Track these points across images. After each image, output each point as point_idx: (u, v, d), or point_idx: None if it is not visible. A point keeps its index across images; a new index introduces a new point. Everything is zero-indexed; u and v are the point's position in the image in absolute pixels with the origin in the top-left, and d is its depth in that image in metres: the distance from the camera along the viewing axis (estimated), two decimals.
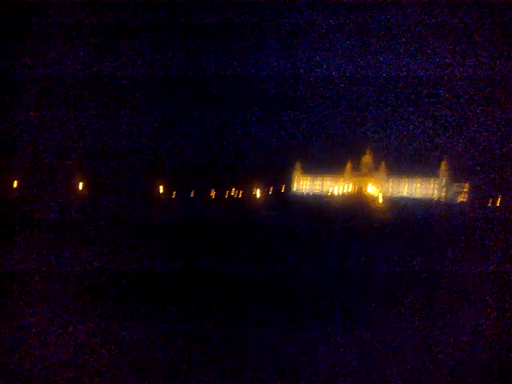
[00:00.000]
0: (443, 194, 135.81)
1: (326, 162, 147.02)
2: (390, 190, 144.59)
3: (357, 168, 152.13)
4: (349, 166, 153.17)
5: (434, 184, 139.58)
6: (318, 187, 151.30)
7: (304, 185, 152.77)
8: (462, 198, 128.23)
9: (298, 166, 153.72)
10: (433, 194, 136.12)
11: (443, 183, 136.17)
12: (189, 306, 20.66)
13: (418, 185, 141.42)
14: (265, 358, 16.07)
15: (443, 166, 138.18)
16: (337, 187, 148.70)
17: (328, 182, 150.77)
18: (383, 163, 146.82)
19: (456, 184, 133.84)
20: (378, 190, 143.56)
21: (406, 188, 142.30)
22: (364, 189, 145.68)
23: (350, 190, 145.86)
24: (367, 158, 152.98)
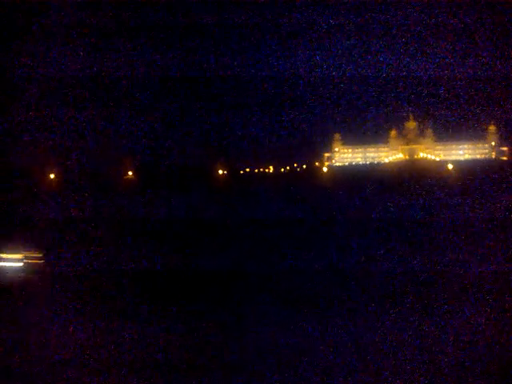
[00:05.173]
0: (493, 155, 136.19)
1: (368, 132, 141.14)
2: (441, 154, 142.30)
3: (402, 135, 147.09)
4: (393, 133, 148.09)
5: (481, 146, 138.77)
6: (360, 159, 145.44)
7: (345, 157, 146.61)
8: (504, 158, 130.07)
9: (337, 137, 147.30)
10: (482, 155, 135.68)
11: (493, 145, 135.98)
12: (190, 305, 20.68)
13: (466, 148, 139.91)
14: (265, 356, 16.06)
15: (491, 128, 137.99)
16: (385, 157, 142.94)
17: (371, 154, 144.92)
18: (429, 129, 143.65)
19: (497, 146, 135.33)
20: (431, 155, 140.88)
21: (455, 151, 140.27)
22: (416, 156, 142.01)
23: (399, 158, 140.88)
24: (411, 124, 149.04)
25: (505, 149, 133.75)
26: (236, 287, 23.61)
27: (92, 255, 28.71)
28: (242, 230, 39.01)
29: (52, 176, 76.93)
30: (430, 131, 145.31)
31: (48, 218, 41.14)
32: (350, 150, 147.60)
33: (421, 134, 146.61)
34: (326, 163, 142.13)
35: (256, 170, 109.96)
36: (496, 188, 58.35)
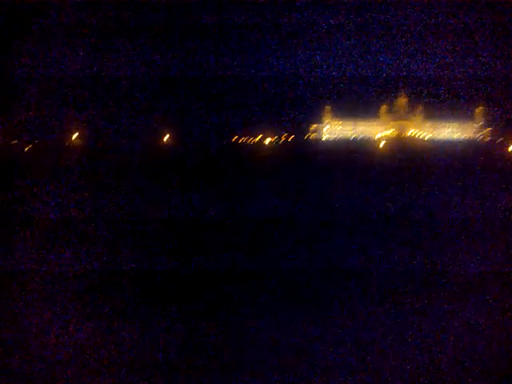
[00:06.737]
0: (481, 136, 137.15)
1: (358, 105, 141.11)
2: (429, 132, 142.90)
3: (392, 111, 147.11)
4: (384, 108, 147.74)
5: (470, 127, 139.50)
6: (349, 132, 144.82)
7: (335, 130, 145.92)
8: (487, 139, 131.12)
9: (328, 109, 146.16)
10: (470, 137, 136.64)
11: (479, 126, 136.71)
12: (190, 305, 20.65)
13: (455, 128, 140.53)
14: (265, 356, 16.04)
15: (479, 109, 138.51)
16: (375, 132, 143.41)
17: (361, 127, 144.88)
18: (420, 106, 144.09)
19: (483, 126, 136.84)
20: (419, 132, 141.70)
21: (444, 131, 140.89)
22: (405, 132, 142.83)
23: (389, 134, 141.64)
24: (402, 100, 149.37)
25: (488, 130, 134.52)
26: (236, 287, 23.59)
27: (92, 255, 28.69)
28: (242, 229, 38.95)
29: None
30: (420, 109, 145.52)
31: (48, 218, 41.11)
32: (340, 123, 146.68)
33: (411, 111, 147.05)
34: (313, 135, 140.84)
35: (240, 140, 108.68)
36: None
